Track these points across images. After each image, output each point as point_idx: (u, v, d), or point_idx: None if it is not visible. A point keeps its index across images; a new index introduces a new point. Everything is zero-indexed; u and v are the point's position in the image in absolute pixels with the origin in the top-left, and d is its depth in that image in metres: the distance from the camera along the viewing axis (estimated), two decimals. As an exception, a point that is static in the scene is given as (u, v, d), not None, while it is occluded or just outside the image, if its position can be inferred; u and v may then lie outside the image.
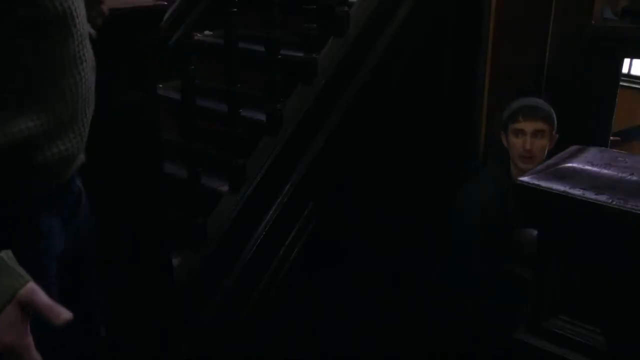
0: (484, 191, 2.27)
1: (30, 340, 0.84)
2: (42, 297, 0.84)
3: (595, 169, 1.16)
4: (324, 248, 2.39)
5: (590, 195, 1.09)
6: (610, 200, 1.05)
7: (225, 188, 2.24)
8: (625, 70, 4.35)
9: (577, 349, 1.16)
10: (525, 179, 1.18)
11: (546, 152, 2.24)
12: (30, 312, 0.84)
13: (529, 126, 2.17)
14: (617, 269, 1.11)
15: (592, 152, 1.23)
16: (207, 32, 2.77)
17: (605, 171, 1.15)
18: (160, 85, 2.58)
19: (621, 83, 2.97)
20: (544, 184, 1.15)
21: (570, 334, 1.17)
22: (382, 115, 2.60)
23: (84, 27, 1.03)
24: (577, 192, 1.10)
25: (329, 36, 2.36)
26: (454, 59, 2.82)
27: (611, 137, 2.93)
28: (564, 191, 1.11)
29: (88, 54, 1.06)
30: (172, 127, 2.40)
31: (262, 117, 2.30)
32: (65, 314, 0.84)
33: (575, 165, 1.17)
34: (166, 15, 1.98)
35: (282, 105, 2.25)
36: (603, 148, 1.31)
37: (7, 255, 0.84)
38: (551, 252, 1.22)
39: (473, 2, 2.76)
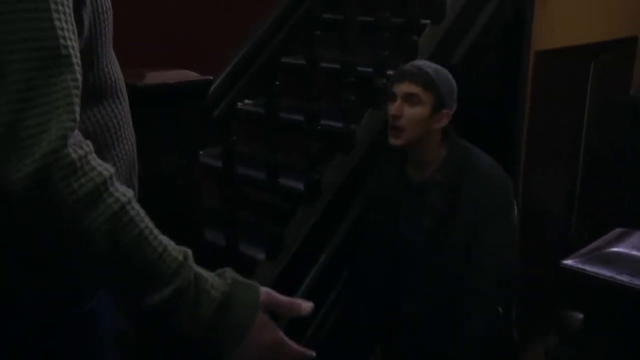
0: (373, 183, 2.09)
1: (281, 332, 0.94)
2: (278, 296, 0.95)
3: (642, 254, 1.15)
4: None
5: (638, 282, 1.07)
6: (659, 289, 1.04)
7: (262, 256, 2.25)
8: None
9: None
10: (569, 262, 1.17)
11: (423, 125, 1.82)
12: (271, 310, 0.94)
13: (400, 88, 1.81)
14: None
15: (638, 236, 1.21)
16: (247, 101, 2.84)
17: (652, 257, 1.13)
18: (201, 152, 2.64)
19: (662, 154, 2.93)
20: (589, 268, 1.13)
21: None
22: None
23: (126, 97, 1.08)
24: (624, 278, 1.08)
25: (367, 107, 2.40)
26: (492, 129, 2.83)
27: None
28: (610, 277, 1.10)
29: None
30: (211, 194, 2.44)
31: (300, 185, 2.33)
32: (306, 305, 0.97)
33: (621, 250, 1.16)
34: (213, 87, 2.06)
35: (320, 175, 2.27)
36: (649, 231, 1.29)
37: (230, 271, 0.93)
38: (596, 334, 1.19)
39: (512, 74, 2.79)
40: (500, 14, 2.60)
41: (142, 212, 0.84)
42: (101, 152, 0.97)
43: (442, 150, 1.89)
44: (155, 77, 1.79)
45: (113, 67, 1.02)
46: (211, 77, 1.84)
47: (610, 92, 2.95)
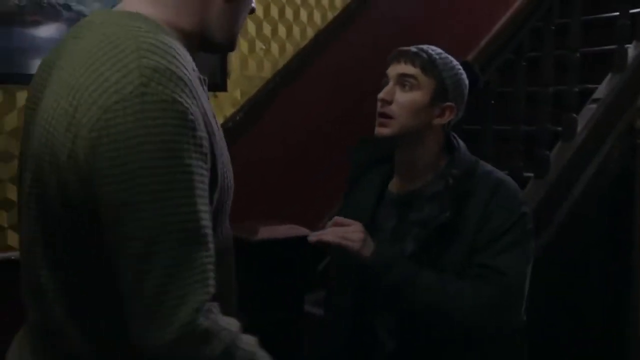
0: (356, 197, 1.59)
1: None
2: None
3: None
4: None
5: None
6: None
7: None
8: None
9: None
10: None
11: (421, 116, 1.42)
12: None
13: (394, 69, 1.45)
14: None
15: None
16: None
17: None
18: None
19: None
20: None
21: None
22: None
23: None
24: None
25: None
26: (607, 270, 2.71)
27: None
28: None
29: None
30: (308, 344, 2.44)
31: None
32: None
33: None
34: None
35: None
36: None
37: None
38: None
39: (624, 221, 2.71)
40: (605, 168, 2.59)
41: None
42: None
43: (442, 158, 1.47)
44: (267, 231, 1.90)
45: (223, 231, 1.09)
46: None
47: None
